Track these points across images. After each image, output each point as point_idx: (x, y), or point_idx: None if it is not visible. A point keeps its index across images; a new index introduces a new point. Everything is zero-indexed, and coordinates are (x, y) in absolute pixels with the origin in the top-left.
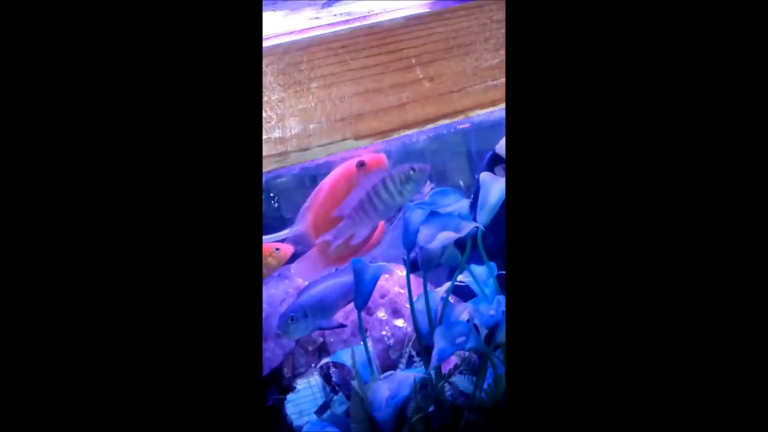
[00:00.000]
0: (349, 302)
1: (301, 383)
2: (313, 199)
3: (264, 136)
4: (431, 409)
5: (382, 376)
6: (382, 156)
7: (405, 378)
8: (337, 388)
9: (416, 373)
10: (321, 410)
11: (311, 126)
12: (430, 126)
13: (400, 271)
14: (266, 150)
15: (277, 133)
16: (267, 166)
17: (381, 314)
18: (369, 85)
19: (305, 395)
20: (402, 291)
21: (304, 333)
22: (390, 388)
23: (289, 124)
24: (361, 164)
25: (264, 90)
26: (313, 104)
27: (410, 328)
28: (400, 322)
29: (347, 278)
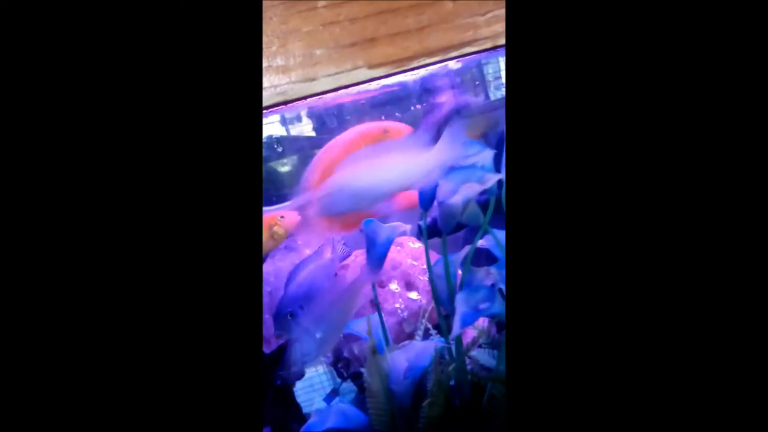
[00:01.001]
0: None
1: (309, 372)
2: (323, 154)
3: (264, 65)
4: (452, 383)
5: (399, 345)
6: (407, 127)
7: (424, 348)
8: (345, 374)
9: (436, 342)
10: (329, 397)
11: (318, 52)
12: (454, 54)
13: (413, 243)
14: (267, 81)
15: (279, 61)
16: (269, 100)
17: (394, 287)
18: (384, 5)
19: (313, 383)
20: (415, 263)
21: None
22: (408, 358)
23: (292, 50)
24: (384, 132)
25: (264, 10)
26: (320, 27)
27: (425, 301)
28: (414, 295)
29: (326, 260)
